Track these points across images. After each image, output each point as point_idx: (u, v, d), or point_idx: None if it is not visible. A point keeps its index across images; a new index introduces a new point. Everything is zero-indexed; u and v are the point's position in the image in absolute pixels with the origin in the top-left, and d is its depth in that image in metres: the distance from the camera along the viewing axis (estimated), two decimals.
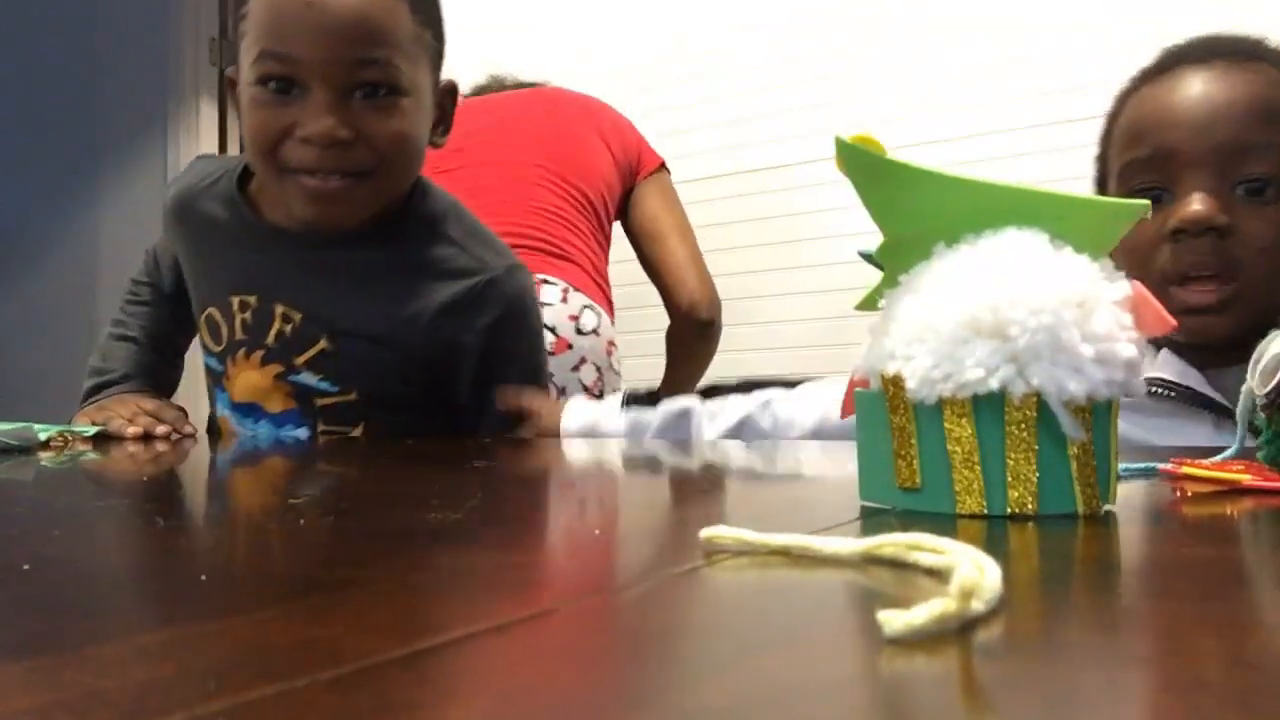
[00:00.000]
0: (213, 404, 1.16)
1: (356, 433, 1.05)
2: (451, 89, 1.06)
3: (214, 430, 1.18)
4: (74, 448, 0.87)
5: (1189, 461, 0.51)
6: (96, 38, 3.80)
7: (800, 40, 2.09)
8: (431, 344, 1.02)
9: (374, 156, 0.94)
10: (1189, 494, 0.46)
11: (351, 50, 0.90)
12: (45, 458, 0.78)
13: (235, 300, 1.06)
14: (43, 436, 0.87)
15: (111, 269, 3.76)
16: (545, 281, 1.42)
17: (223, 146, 3.71)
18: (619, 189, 1.58)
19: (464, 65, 2.30)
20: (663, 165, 1.64)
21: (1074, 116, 1.83)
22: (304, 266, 1.03)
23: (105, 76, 3.79)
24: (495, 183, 1.52)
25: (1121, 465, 0.43)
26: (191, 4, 3.62)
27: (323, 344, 1.02)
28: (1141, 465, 0.53)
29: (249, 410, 1.08)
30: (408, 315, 1.01)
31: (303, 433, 1.06)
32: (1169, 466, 0.52)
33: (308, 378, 1.04)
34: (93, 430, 1.01)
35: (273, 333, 1.04)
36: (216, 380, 1.12)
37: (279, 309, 1.03)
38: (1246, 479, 0.46)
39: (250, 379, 1.06)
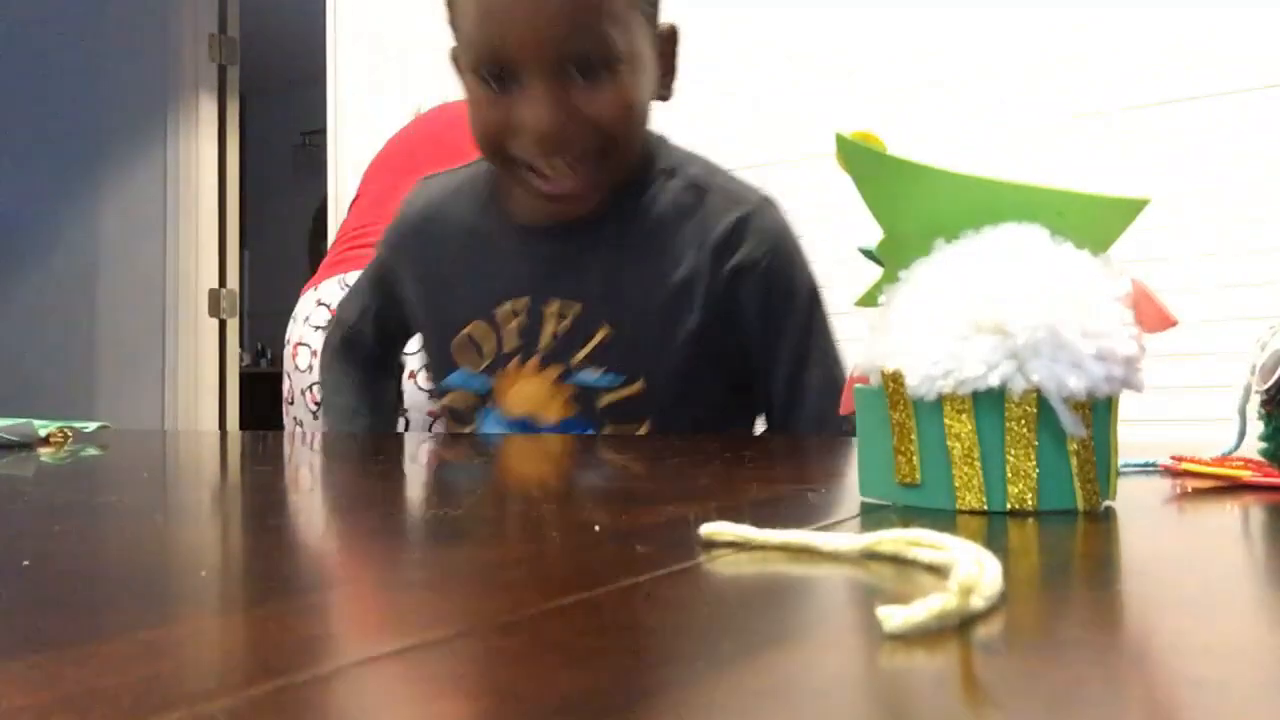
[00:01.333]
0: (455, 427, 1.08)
1: (642, 431, 0.96)
2: (671, 34, 0.97)
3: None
4: (74, 443, 0.87)
5: (1189, 458, 0.51)
6: (97, 35, 3.80)
7: (804, 32, 2.09)
8: (707, 299, 0.94)
9: (598, 137, 0.89)
10: (1189, 490, 0.46)
11: (559, 28, 0.85)
12: (45, 453, 0.78)
13: (506, 307, 0.98)
14: (43, 432, 0.87)
15: (111, 266, 3.77)
16: None
17: (222, 143, 3.71)
18: None
19: None
20: None
21: (1078, 112, 1.82)
22: (566, 254, 0.97)
23: (105, 73, 3.79)
24: None
25: (1122, 461, 0.43)
26: (191, 1, 3.62)
27: (604, 332, 0.94)
28: (1142, 461, 0.53)
29: (525, 425, 0.99)
30: (681, 272, 0.94)
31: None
32: (1169, 463, 0.52)
33: (588, 375, 0.95)
34: (94, 426, 1.00)
35: (547, 332, 0.96)
36: (482, 401, 1.02)
37: (552, 305, 0.96)
38: (1246, 475, 0.46)
39: (527, 388, 0.98)
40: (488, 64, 0.87)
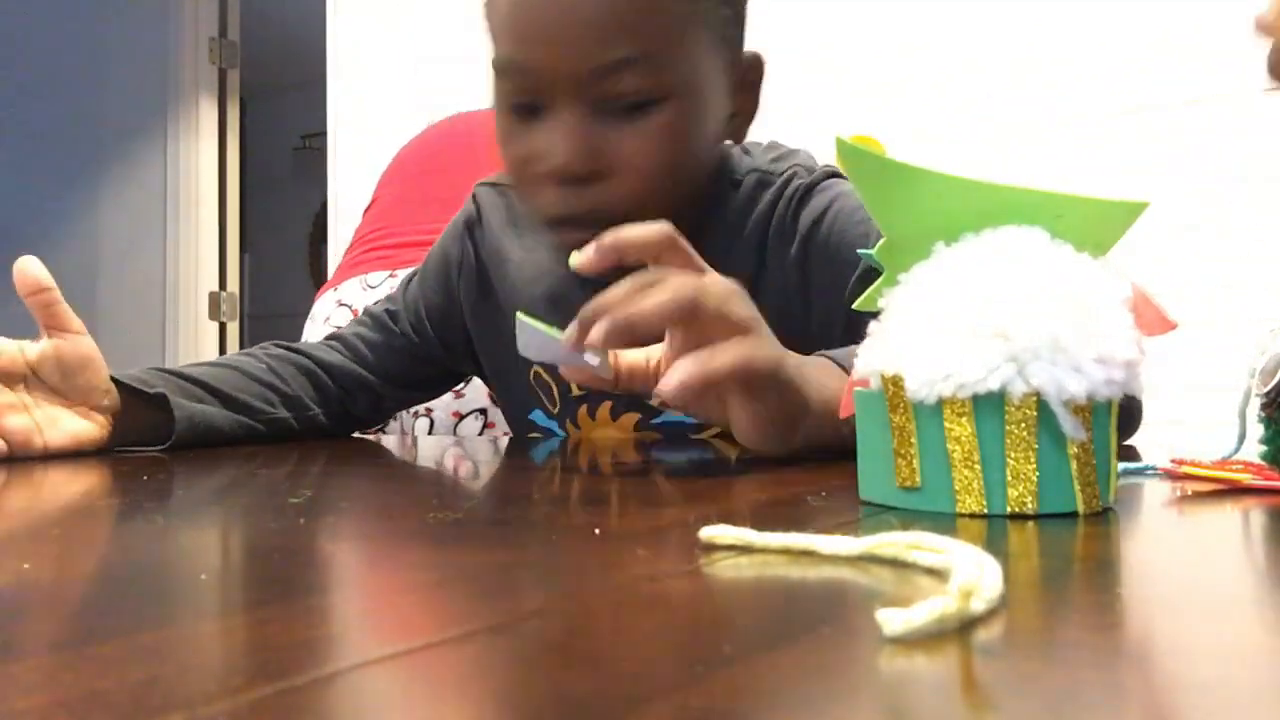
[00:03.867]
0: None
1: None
2: (755, 64, 0.80)
3: None
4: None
5: (1189, 461, 0.51)
6: (97, 38, 3.80)
7: (804, 34, 2.09)
8: (781, 292, 0.81)
9: (625, 195, 0.72)
10: (1189, 493, 0.46)
11: (591, 53, 0.70)
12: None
13: None
14: None
15: (111, 269, 3.77)
16: None
17: (222, 146, 3.71)
18: None
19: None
20: None
21: (1066, 115, 1.82)
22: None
23: (105, 76, 3.79)
24: (466, 182, 1.54)
25: (1121, 464, 0.43)
26: (191, 4, 3.62)
27: None
28: (1141, 465, 0.53)
29: None
30: (753, 277, 0.80)
31: None
32: (1169, 466, 0.52)
33: (672, 413, 0.83)
34: None
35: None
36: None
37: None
38: (1246, 478, 0.46)
39: (605, 438, 0.85)
40: (515, 90, 0.74)
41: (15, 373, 0.74)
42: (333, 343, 1.01)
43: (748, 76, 0.81)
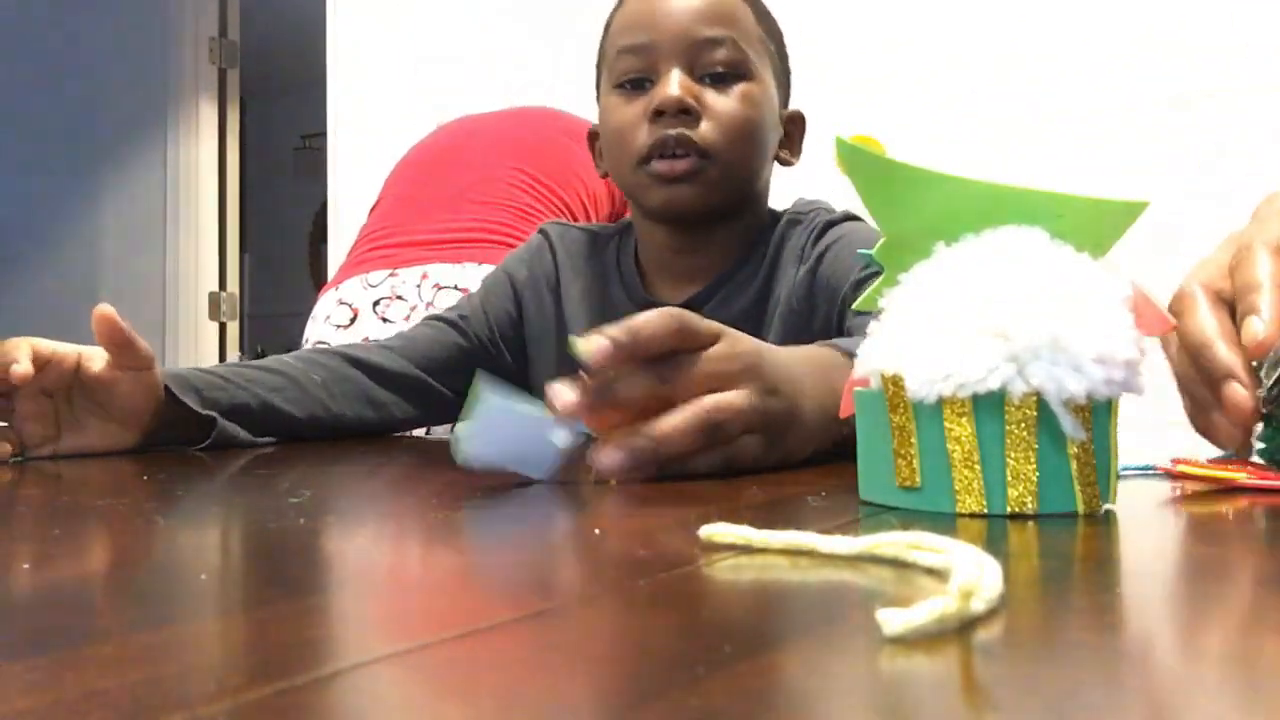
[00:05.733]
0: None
1: None
2: (798, 117, 1.03)
3: None
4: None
5: (1188, 461, 0.51)
6: (97, 39, 3.80)
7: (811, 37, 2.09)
8: (792, 323, 0.94)
9: (718, 135, 0.91)
10: (1188, 493, 0.46)
11: (697, 28, 0.92)
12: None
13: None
14: None
15: (111, 269, 3.77)
16: None
17: (222, 147, 3.71)
18: (608, 204, 1.61)
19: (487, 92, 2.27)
20: None
21: (1063, 110, 1.82)
22: None
23: (105, 76, 3.79)
24: (471, 182, 1.55)
25: (1121, 464, 0.43)
26: (192, 4, 3.63)
27: None
28: (1142, 464, 0.53)
29: None
30: (792, 317, 0.94)
31: None
32: (1169, 465, 0.52)
33: None
34: None
35: None
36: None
37: None
38: (1244, 478, 0.46)
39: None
40: (628, 66, 0.93)
41: (61, 385, 0.78)
42: (396, 343, 1.03)
43: (790, 126, 1.01)
